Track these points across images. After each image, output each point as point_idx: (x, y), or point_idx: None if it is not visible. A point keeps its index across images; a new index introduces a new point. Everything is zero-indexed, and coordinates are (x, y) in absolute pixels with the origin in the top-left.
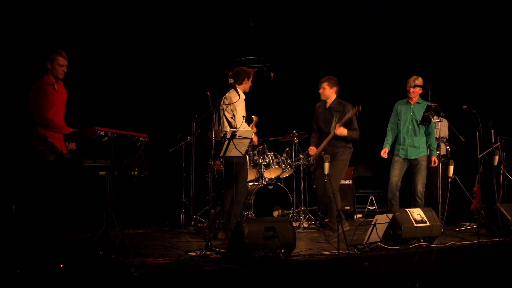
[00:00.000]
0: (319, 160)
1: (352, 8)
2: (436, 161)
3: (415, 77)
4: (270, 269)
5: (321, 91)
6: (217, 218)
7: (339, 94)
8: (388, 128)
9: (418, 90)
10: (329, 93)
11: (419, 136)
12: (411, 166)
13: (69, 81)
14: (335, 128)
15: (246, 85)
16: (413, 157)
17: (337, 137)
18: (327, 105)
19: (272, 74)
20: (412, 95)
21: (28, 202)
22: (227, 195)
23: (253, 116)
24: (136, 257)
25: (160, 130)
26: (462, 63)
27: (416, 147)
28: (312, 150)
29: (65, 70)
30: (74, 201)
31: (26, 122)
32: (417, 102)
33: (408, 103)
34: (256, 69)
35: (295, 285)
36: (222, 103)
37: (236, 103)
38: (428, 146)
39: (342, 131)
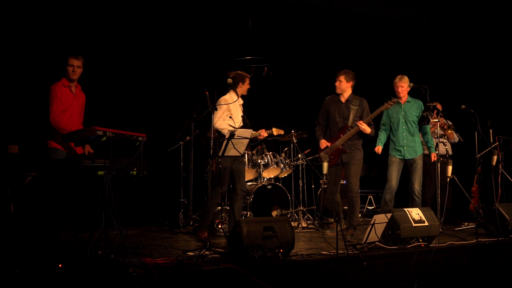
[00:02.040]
0: (337, 154)
1: (351, 8)
2: (435, 156)
3: (400, 76)
4: (268, 269)
5: (337, 83)
6: (216, 217)
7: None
8: (380, 129)
9: (406, 88)
10: (345, 86)
11: (415, 135)
12: (407, 166)
13: None
14: (356, 122)
15: (242, 88)
16: (409, 157)
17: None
18: (343, 99)
19: (270, 74)
20: (401, 94)
21: (28, 201)
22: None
23: (273, 129)
24: (135, 257)
25: (158, 130)
26: (461, 63)
27: (412, 146)
28: (324, 143)
29: (76, 71)
30: (73, 201)
31: (25, 121)
32: (407, 101)
33: (398, 103)
34: (253, 68)
35: (294, 284)
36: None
37: (221, 105)
38: (426, 144)
39: (366, 127)
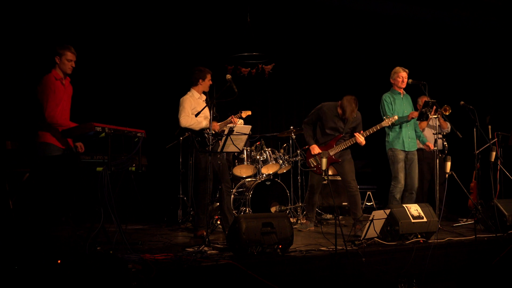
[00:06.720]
0: (328, 162)
1: (352, 4)
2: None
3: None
4: (267, 264)
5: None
6: (214, 213)
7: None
8: (393, 128)
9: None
10: None
11: (413, 128)
12: (405, 160)
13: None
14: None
15: (203, 85)
16: (412, 150)
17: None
18: (345, 116)
19: (264, 71)
20: (404, 85)
21: (26, 197)
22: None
23: (242, 112)
24: (133, 253)
25: (157, 126)
26: (460, 59)
27: (412, 139)
28: (316, 149)
29: (73, 66)
30: (71, 197)
31: (24, 118)
32: (405, 94)
33: (398, 94)
34: (240, 71)
35: (293, 280)
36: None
37: (183, 106)
38: (418, 137)
39: (363, 140)
